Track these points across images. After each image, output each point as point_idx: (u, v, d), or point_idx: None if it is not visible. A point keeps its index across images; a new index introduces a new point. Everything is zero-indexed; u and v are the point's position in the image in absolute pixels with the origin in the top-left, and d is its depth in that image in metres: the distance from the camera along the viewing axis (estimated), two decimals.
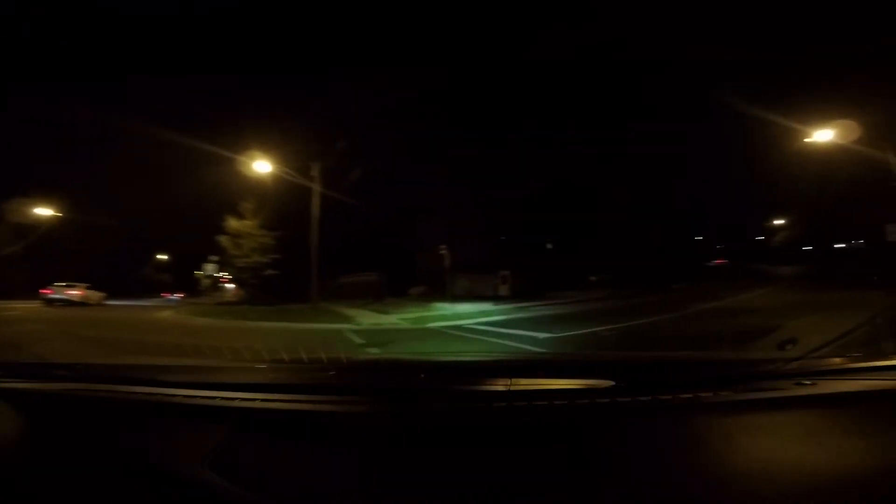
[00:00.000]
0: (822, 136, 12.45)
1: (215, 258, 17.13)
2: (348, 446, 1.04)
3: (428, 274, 17.91)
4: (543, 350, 5.68)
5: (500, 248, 19.80)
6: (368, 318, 10.32)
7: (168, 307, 15.79)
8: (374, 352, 5.70)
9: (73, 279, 16.10)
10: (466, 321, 9.27)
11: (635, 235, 25.57)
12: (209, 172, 15.26)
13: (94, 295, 16.70)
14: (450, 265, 17.33)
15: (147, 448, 1.08)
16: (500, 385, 1.24)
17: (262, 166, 14.31)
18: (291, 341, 3.84)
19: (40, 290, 15.34)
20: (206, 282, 23.70)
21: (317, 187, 14.14)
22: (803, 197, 23.68)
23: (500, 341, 6.82)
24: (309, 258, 14.02)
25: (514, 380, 1.26)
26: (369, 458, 0.98)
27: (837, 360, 1.40)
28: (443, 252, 16.53)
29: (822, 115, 12.62)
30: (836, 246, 25.68)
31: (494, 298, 15.49)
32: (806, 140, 13.08)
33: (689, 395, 1.15)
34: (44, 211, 18.33)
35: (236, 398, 1.26)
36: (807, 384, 1.18)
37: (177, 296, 27.05)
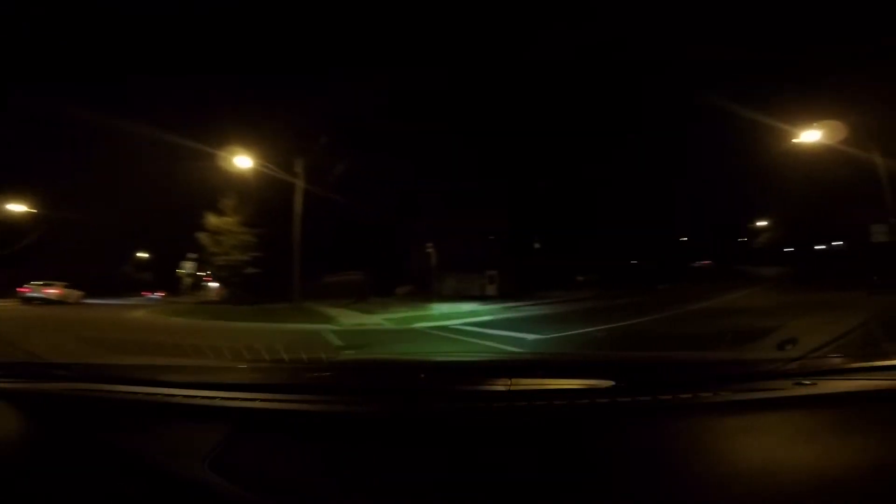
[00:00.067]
0: (808, 137, 12.39)
1: (194, 256, 16.48)
2: (348, 446, 1.02)
3: (415, 273, 17.52)
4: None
5: (487, 247, 19.50)
6: (351, 319, 9.90)
7: (145, 306, 15.18)
8: (351, 354, 5.29)
9: (51, 278, 15.93)
10: (452, 322, 8.97)
11: (622, 236, 25.65)
12: (191, 169, 14.84)
13: (73, 294, 16.48)
14: (437, 264, 16.99)
15: (147, 448, 1.06)
16: (500, 385, 1.23)
17: (243, 161, 13.84)
18: (261, 342, 3.44)
19: (17, 289, 15.18)
20: (189, 280, 23.12)
21: (300, 183, 13.67)
22: (787, 198, 23.89)
23: (487, 343, 6.53)
24: (292, 256, 13.53)
25: (514, 380, 1.25)
26: (370, 459, 0.97)
27: (837, 360, 1.39)
28: (429, 251, 16.17)
29: (807, 117, 12.59)
30: (816, 247, 25.95)
31: (482, 298, 15.20)
32: (791, 141, 13.04)
33: (689, 395, 1.14)
34: (19, 208, 17.76)
35: (236, 398, 1.26)
36: (807, 384, 1.17)
37: (157, 295, 26.36)
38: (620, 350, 4.75)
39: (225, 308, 12.73)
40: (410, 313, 10.65)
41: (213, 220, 15.57)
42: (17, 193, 17.75)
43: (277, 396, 1.27)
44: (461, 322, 8.82)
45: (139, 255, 31.15)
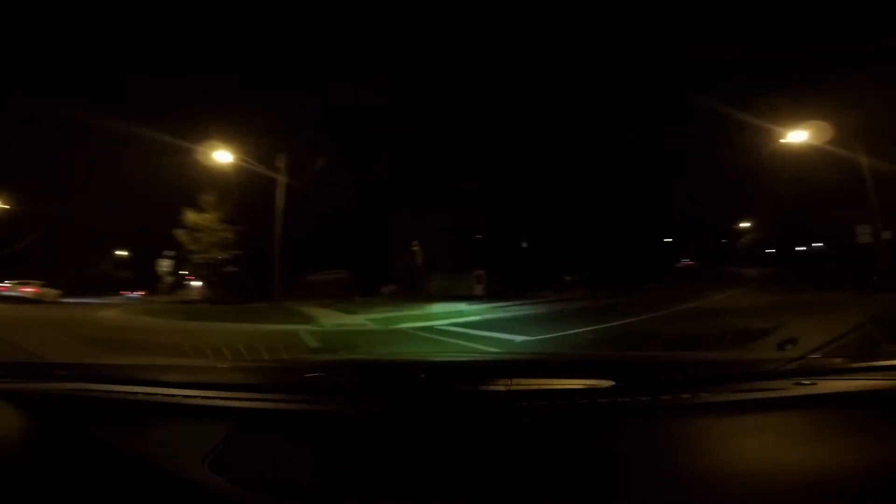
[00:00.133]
0: (792, 137, 12.30)
1: (171, 254, 15.76)
2: (348, 446, 1.02)
3: (401, 272, 17.03)
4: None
5: (475, 246, 19.14)
6: (332, 319, 9.45)
7: (120, 305, 14.55)
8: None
9: (31, 277, 15.88)
10: (438, 322, 8.65)
11: (608, 236, 25.61)
12: (173, 164, 14.25)
13: (49, 292, 16.27)
14: (424, 264, 16.58)
15: (147, 448, 1.05)
16: (500, 385, 1.22)
17: (224, 157, 13.27)
18: (228, 343, 3.14)
19: None
20: (170, 279, 22.41)
21: (282, 178, 13.13)
22: (769, 200, 24.09)
23: (473, 345, 6.21)
24: (273, 254, 12.99)
25: (514, 380, 1.24)
26: (370, 459, 0.97)
27: (837, 360, 1.39)
28: (415, 249, 15.74)
29: (791, 117, 12.49)
30: (797, 248, 26.27)
31: (469, 298, 14.79)
32: (775, 142, 12.98)
33: (690, 395, 1.14)
34: None
35: (236, 398, 1.25)
36: (806, 384, 1.16)
37: (137, 294, 25.53)
38: (615, 351, 4.58)
39: (201, 307, 12.18)
40: (395, 313, 10.22)
41: (191, 216, 14.91)
42: None
43: (277, 397, 1.26)
44: (447, 322, 8.51)
45: (118, 253, 30.07)
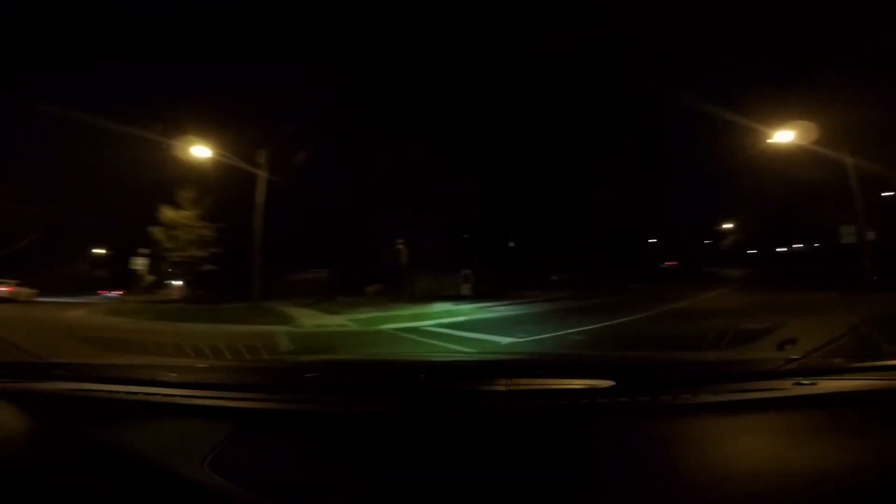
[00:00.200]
0: (777, 138, 12.22)
1: (146, 252, 15.02)
2: (348, 446, 1.01)
3: (387, 272, 16.53)
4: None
5: (462, 246, 18.79)
6: (313, 319, 8.99)
7: (92, 305, 13.87)
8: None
9: (3, 275, 15.32)
10: (423, 323, 8.31)
11: (595, 236, 25.59)
12: (151, 160, 13.54)
13: (24, 292, 15.94)
14: (410, 263, 16.13)
15: (147, 448, 1.04)
16: (500, 385, 1.21)
17: (202, 152, 12.67)
18: (195, 346, 2.88)
19: None
20: (150, 278, 21.64)
21: (263, 174, 12.55)
22: (752, 201, 24.28)
23: (460, 347, 5.88)
24: (253, 252, 12.42)
25: (514, 380, 1.23)
26: (370, 459, 0.96)
27: (837, 360, 1.38)
28: (400, 247, 15.28)
29: (776, 118, 12.41)
30: (777, 250, 26.55)
31: (456, 298, 14.43)
32: (759, 143, 12.92)
33: (690, 395, 1.13)
34: None
35: (236, 398, 1.24)
36: (806, 384, 1.15)
37: (115, 293, 24.70)
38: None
39: (175, 307, 11.60)
40: (378, 314, 9.80)
41: (168, 213, 14.21)
42: None
43: (277, 397, 1.25)
44: (432, 323, 8.18)
45: (96, 251, 28.98)
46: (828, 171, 12.83)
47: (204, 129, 12.90)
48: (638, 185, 26.82)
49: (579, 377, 1.24)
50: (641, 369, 1.50)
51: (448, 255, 17.21)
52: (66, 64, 18.93)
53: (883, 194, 14.73)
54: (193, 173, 13.93)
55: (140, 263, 14.97)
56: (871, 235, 11.23)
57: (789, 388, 1.15)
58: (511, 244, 21.95)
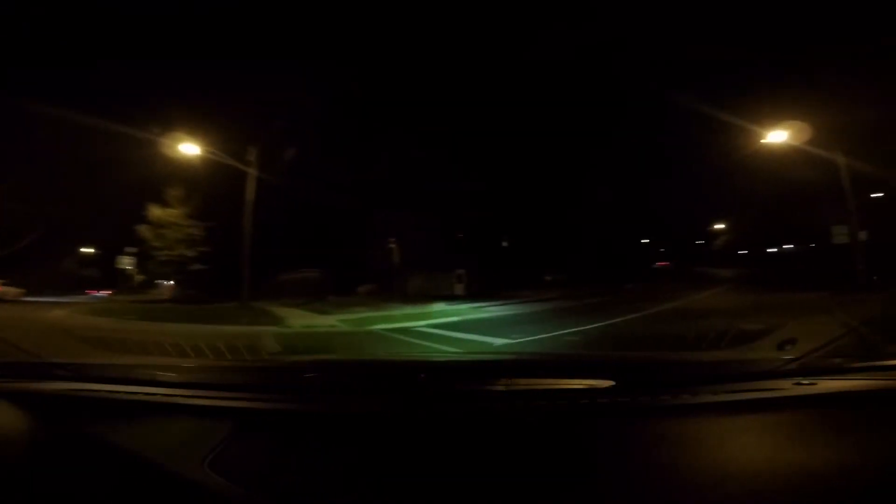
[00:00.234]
0: (770, 138, 12.15)
1: (133, 250, 14.63)
2: (348, 446, 1.01)
3: (379, 271, 16.30)
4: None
5: (456, 245, 18.61)
6: (302, 320, 8.75)
7: (78, 304, 13.41)
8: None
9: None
10: (415, 323, 8.10)
11: (588, 236, 25.57)
12: (142, 157, 13.20)
13: (11, 291, 15.82)
14: (404, 263, 15.93)
15: (147, 448, 1.04)
16: (500, 385, 1.21)
17: (191, 149, 12.34)
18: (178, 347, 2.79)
19: None
20: (140, 278, 21.20)
21: (253, 171, 12.26)
22: (744, 201, 24.36)
23: (452, 348, 5.72)
24: (243, 251, 12.12)
25: (514, 380, 1.23)
26: (369, 459, 0.96)
27: (837, 360, 1.37)
28: (392, 247, 15.03)
29: (768, 118, 12.34)
30: (768, 250, 26.69)
31: (449, 298, 14.22)
32: (752, 143, 12.87)
33: (690, 395, 1.13)
34: None
35: (236, 398, 1.24)
36: (806, 384, 1.15)
37: (103, 293, 24.27)
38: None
39: (163, 307, 11.31)
40: (370, 314, 9.57)
41: (156, 211, 13.87)
42: None
43: (278, 397, 1.24)
44: (424, 324, 7.97)
45: (84, 250, 28.45)
46: (819, 172, 12.82)
47: (194, 127, 12.56)
48: (631, 186, 26.84)
49: (579, 377, 1.23)
50: (641, 369, 1.48)
51: (442, 254, 17.01)
52: (53, 61, 18.45)
53: (872, 195, 14.79)
54: (182, 171, 13.61)
55: (127, 262, 14.60)
56: (863, 235, 11.21)
57: (789, 388, 1.15)
58: (505, 244, 21.81)
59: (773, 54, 15.09)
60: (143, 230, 13.80)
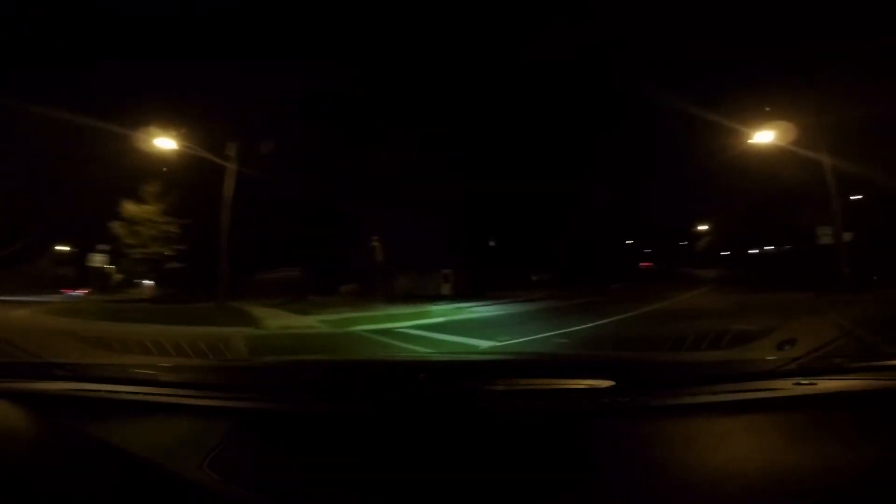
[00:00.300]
0: (755, 139, 12.06)
1: (106, 248, 13.88)
2: (348, 447, 1.00)
3: (363, 271, 15.79)
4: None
5: (442, 244, 18.20)
6: (280, 320, 8.27)
7: (46, 304, 12.69)
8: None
9: None
10: (399, 324, 7.71)
11: (574, 236, 25.50)
12: (119, 153, 12.53)
13: None
14: (390, 262, 15.45)
15: (147, 448, 1.02)
16: (500, 385, 1.21)
17: (168, 144, 11.69)
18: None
19: None
20: (118, 277, 20.33)
21: (232, 166, 11.68)
22: (727, 203, 24.49)
23: (435, 350, 5.30)
24: (221, 249, 11.53)
25: (514, 380, 1.24)
26: (369, 459, 0.95)
27: (837, 360, 1.37)
28: (375, 245, 14.53)
29: (752, 120, 12.25)
30: (750, 251, 26.91)
31: (436, 298, 13.84)
32: (736, 144, 12.77)
33: (690, 395, 1.13)
34: None
35: (236, 398, 1.24)
36: (805, 384, 1.15)
37: (80, 292, 23.33)
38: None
39: (135, 307, 10.72)
40: (352, 314, 9.13)
41: (130, 207, 13.19)
42: None
43: (277, 397, 1.24)
44: (408, 325, 7.59)
45: (59, 248, 27.33)
46: (804, 173, 12.78)
47: (173, 122, 11.95)
48: (617, 188, 26.84)
49: (579, 377, 1.22)
50: (641, 369, 1.47)
51: (428, 254, 16.59)
52: (25, 56, 17.58)
53: (852, 198, 14.87)
54: (160, 167, 12.97)
55: (98, 260, 13.82)
56: (847, 236, 11.16)
57: (789, 388, 1.14)
58: (492, 244, 21.51)
59: (758, 56, 15.11)
60: (116, 227, 13.11)
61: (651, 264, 32.62)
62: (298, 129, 16.20)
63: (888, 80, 11.65)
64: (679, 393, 1.13)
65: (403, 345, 5.93)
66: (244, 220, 12.56)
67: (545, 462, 0.90)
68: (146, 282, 17.89)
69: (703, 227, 29.34)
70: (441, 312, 9.61)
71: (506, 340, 5.82)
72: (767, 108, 11.45)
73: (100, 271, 17.67)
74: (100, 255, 13.67)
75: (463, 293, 14.64)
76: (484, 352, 4.78)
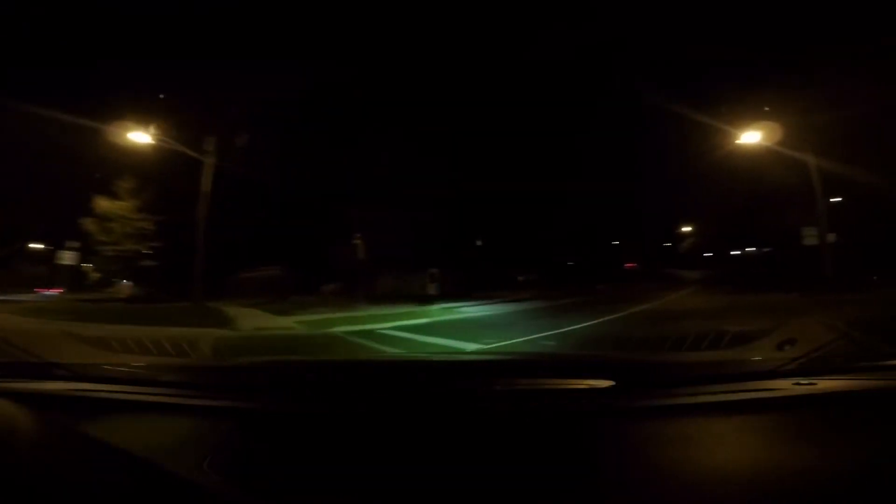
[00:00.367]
0: (741, 140, 12.00)
1: (76, 245, 13.16)
2: (348, 447, 0.99)
3: (346, 270, 15.31)
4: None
5: (428, 244, 17.84)
6: (255, 321, 7.82)
7: (14, 303, 11.97)
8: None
9: None
10: (381, 325, 7.34)
11: (560, 237, 25.46)
12: (95, 148, 11.91)
13: None
14: (374, 261, 15.01)
15: (147, 448, 1.00)
16: (500, 385, 1.22)
17: (141, 137, 11.10)
18: None
19: None
20: (96, 276, 19.50)
21: (210, 160, 11.13)
22: (711, 204, 24.67)
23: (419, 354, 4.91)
24: (197, 247, 10.98)
25: (514, 380, 1.24)
26: (369, 459, 0.95)
27: (836, 360, 1.37)
28: (357, 243, 14.05)
29: (738, 120, 12.19)
30: (731, 253, 27.21)
31: (421, 298, 13.45)
32: (721, 146, 12.71)
33: (689, 395, 1.12)
34: None
35: (236, 398, 1.24)
36: (805, 384, 1.15)
37: (54, 291, 22.43)
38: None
39: (105, 306, 10.14)
40: (332, 315, 8.71)
41: (103, 203, 12.53)
42: None
43: (278, 397, 1.24)
44: (391, 326, 7.22)
45: (32, 245, 26.20)
46: (789, 174, 12.79)
47: (150, 117, 11.39)
48: (603, 188, 26.83)
49: (579, 377, 1.20)
50: (641, 369, 1.47)
51: (414, 253, 16.21)
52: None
53: (832, 199, 14.99)
54: (135, 161, 12.35)
55: (68, 258, 13.07)
56: (831, 237, 11.17)
57: (788, 388, 1.13)
58: (479, 243, 21.24)
59: (744, 57, 15.11)
60: (87, 223, 12.44)
61: (636, 265, 32.86)
62: (282, 125, 15.68)
63: (873, 82, 11.69)
64: (679, 393, 1.13)
65: (385, 348, 5.57)
66: (224, 218, 12.03)
67: (545, 462, 0.90)
68: (125, 281, 17.22)
69: (686, 229, 29.62)
70: (426, 313, 9.26)
71: (493, 342, 5.51)
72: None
73: (72, 269, 16.90)
74: (69, 252, 12.93)
75: (449, 293, 14.29)
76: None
